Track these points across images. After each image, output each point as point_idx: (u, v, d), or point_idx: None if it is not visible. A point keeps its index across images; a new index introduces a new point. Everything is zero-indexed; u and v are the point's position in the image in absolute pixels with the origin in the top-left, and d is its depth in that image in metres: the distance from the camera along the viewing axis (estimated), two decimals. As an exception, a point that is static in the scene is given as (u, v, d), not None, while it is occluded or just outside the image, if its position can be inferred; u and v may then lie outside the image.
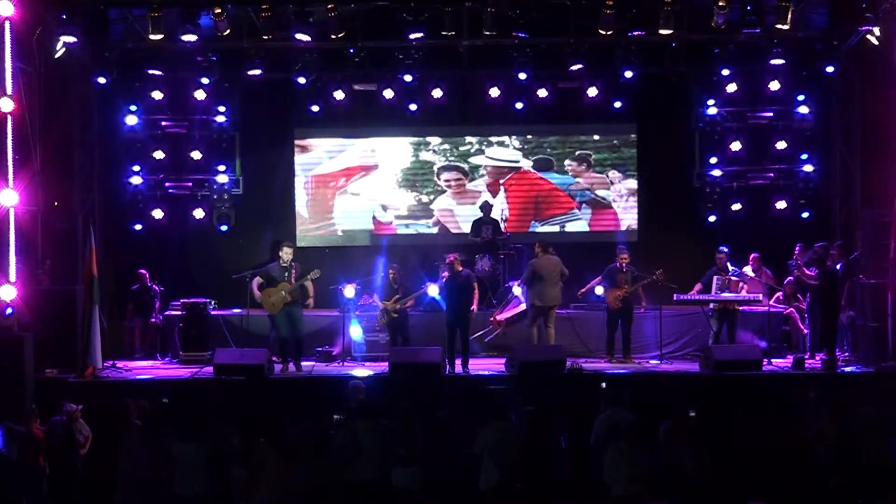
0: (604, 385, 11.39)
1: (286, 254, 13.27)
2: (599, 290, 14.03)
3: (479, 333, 14.16)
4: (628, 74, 14.99)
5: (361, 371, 13.01)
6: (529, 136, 16.75)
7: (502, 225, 15.87)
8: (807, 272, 13.28)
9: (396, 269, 13.78)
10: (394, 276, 13.67)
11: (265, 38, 14.14)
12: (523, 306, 13.98)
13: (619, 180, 16.70)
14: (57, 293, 13.15)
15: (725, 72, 15.19)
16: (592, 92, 15.53)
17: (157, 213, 15.79)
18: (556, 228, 16.71)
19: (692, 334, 14.39)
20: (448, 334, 13.18)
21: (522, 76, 15.12)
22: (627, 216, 16.69)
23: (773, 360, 13.21)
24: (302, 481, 9.12)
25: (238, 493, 9.45)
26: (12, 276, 12.09)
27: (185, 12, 13.69)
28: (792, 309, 14.36)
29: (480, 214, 15.85)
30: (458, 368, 13.08)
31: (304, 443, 9.50)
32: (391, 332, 13.67)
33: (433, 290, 13.55)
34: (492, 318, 14.27)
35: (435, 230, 16.74)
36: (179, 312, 14.46)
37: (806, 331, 14.04)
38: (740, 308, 13.73)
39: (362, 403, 10.50)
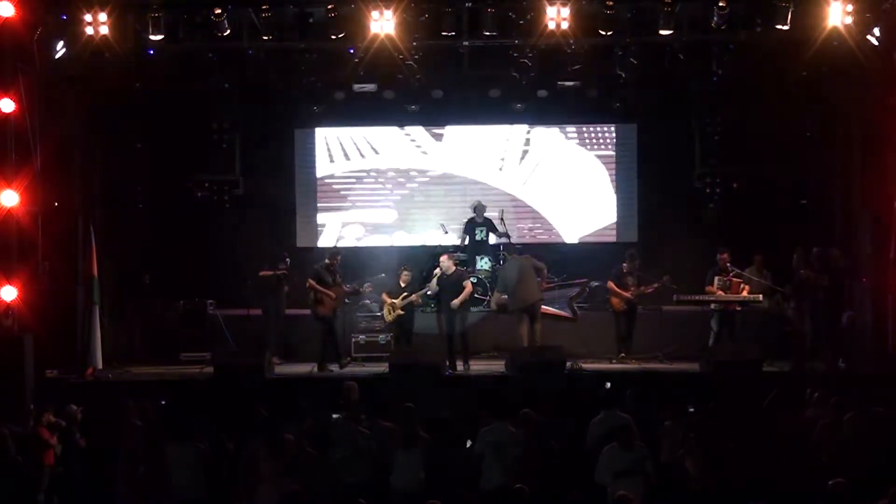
0: (608, 385, 11.40)
1: (333, 259, 13.75)
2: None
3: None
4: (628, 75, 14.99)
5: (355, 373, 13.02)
6: (528, 136, 16.74)
7: (502, 224, 15.75)
8: (808, 273, 13.27)
9: (407, 270, 13.69)
10: (404, 276, 13.59)
11: (265, 38, 14.14)
12: None
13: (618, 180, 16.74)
14: (57, 293, 13.15)
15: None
16: (592, 92, 15.52)
17: (157, 213, 15.78)
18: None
19: (692, 334, 14.39)
20: (448, 334, 13.18)
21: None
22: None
23: (773, 361, 13.20)
24: (298, 484, 9.08)
25: (233, 497, 9.42)
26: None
27: (185, 13, 13.68)
28: (792, 309, 14.34)
29: (473, 215, 15.67)
30: (459, 368, 13.08)
31: (301, 444, 9.46)
32: (397, 330, 13.62)
33: (433, 289, 13.54)
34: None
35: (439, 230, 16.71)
36: (179, 312, 14.47)
37: (806, 331, 14.03)
38: (740, 308, 13.72)
39: (358, 403, 10.48)
